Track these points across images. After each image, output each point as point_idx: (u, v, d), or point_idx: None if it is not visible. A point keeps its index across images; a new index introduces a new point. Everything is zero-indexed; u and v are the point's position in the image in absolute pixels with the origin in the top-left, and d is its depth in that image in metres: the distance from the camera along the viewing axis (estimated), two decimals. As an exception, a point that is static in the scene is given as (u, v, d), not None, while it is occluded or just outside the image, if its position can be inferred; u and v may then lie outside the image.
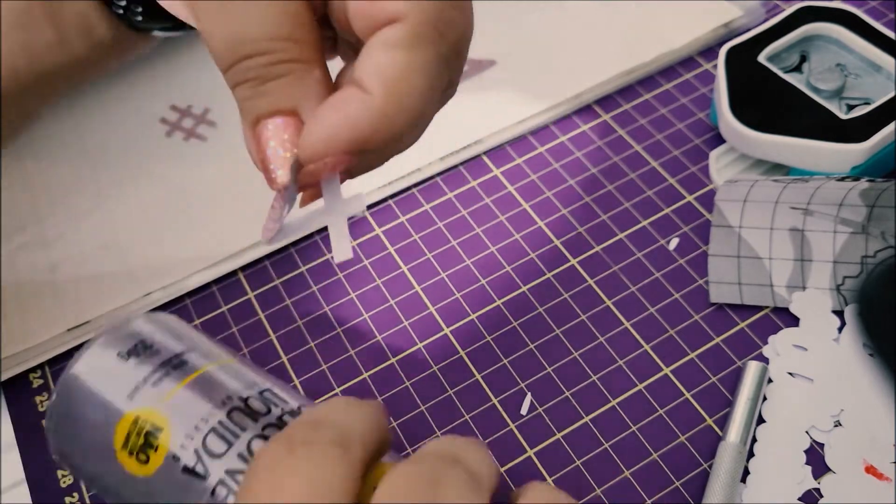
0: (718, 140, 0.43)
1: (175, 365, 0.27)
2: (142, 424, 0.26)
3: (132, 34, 0.33)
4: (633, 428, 0.35)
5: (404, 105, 0.24)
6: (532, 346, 0.37)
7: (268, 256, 0.41)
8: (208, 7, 0.25)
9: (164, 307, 0.40)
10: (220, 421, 0.26)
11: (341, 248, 0.27)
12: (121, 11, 0.31)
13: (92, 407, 0.27)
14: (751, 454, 0.33)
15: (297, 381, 0.37)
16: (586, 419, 0.35)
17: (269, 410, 0.26)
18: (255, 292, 0.40)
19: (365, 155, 0.25)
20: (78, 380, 0.27)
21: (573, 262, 0.40)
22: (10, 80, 0.31)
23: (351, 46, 0.28)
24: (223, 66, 0.25)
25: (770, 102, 0.40)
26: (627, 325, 0.38)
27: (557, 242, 0.41)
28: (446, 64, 0.25)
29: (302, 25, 0.25)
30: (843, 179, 0.35)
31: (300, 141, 0.25)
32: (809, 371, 0.35)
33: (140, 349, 0.28)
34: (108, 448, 0.26)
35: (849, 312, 0.37)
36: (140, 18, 0.31)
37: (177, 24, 0.32)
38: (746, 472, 0.33)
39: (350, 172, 0.27)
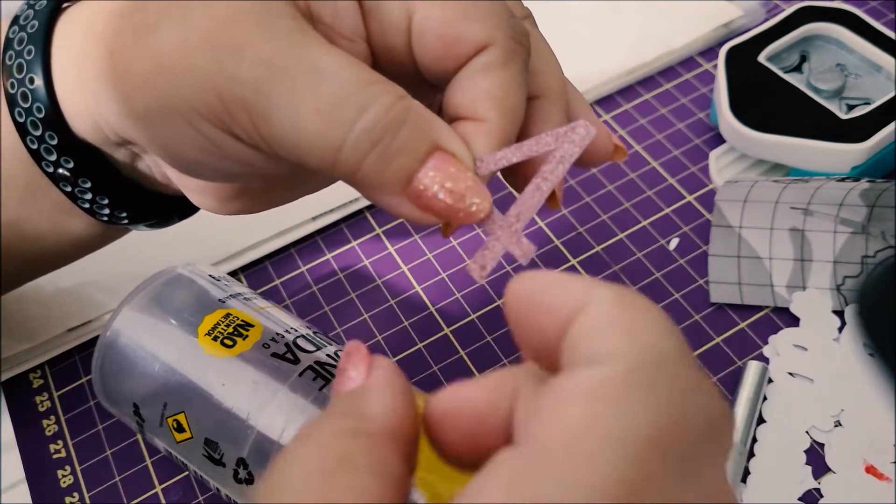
0: (718, 140, 0.43)
1: (248, 297, 0.33)
2: (233, 318, 0.31)
3: (111, 228, 0.31)
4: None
5: (516, 118, 0.25)
6: (532, 346, 0.37)
7: (268, 257, 0.41)
8: (280, 97, 0.22)
9: (164, 307, 0.40)
10: (306, 332, 0.31)
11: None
12: (105, 219, 0.30)
13: (188, 297, 0.32)
14: (751, 454, 0.33)
15: (297, 381, 0.37)
16: (586, 419, 0.35)
17: (327, 345, 0.31)
18: (257, 291, 0.40)
19: None
20: (179, 279, 0.32)
21: (573, 262, 0.40)
22: None
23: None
24: (331, 146, 0.22)
25: (770, 102, 0.40)
26: (627, 325, 0.38)
27: (557, 242, 0.41)
28: (527, 68, 0.25)
29: (372, 69, 0.23)
30: (843, 179, 0.35)
31: None
32: (809, 371, 0.35)
33: (222, 282, 0.33)
34: (192, 332, 0.30)
35: (849, 312, 0.37)
36: (126, 221, 0.30)
37: (160, 220, 0.31)
38: (746, 472, 0.33)
39: None
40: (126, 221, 0.30)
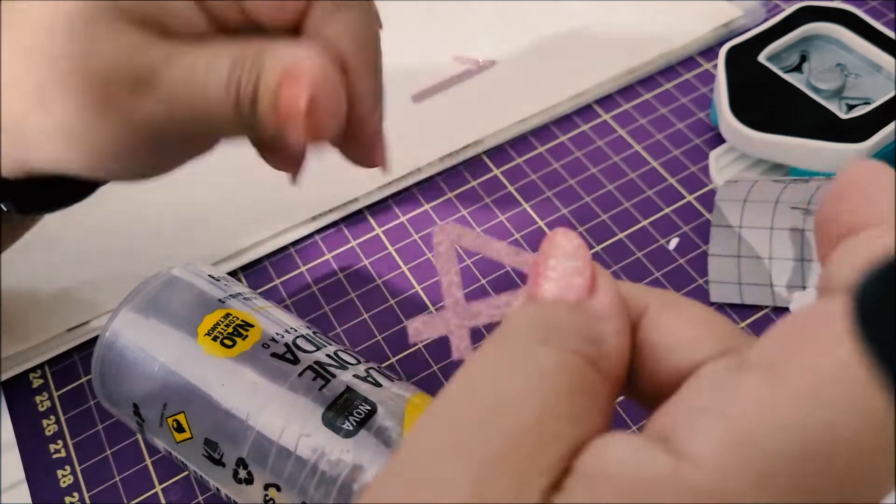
0: (718, 140, 0.43)
1: (248, 297, 0.33)
2: (233, 318, 0.31)
3: (20, 217, 0.31)
4: (634, 428, 0.35)
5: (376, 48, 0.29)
6: (532, 346, 0.37)
7: (268, 256, 0.41)
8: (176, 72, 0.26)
9: (164, 307, 0.40)
10: (306, 333, 0.31)
11: None
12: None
13: (187, 297, 0.32)
14: (751, 454, 0.33)
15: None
16: (586, 419, 0.35)
17: (327, 345, 0.31)
18: (256, 291, 0.40)
19: None
20: (179, 279, 0.32)
21: (573, 262, 0.40)
22: None
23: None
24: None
25: (770, 102, 0.40)
26: (627, 325, 0.37)
27: (557, 242, 0.41)
28: None
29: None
30: (843, 179, 0.35)
31: None
32: (809, 371, 0.35)
33: (222, 282, 0.33)
34: (191, 333, 0.30)
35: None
36: (24, 212, 0.30)
37: (60, 203, 0.31)
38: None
39: None
40: (27, 212, 0.30)
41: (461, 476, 0.14)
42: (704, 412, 0.15)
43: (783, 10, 0.46)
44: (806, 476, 0.14)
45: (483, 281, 0.40)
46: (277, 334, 0.30)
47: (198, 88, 0.25)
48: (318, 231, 0.42)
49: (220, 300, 0.32)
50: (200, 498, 0.34)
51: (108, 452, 0.36)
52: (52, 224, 0.43)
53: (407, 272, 0.40)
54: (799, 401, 0.14)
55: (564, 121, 0.46)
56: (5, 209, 0.29)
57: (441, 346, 0.37)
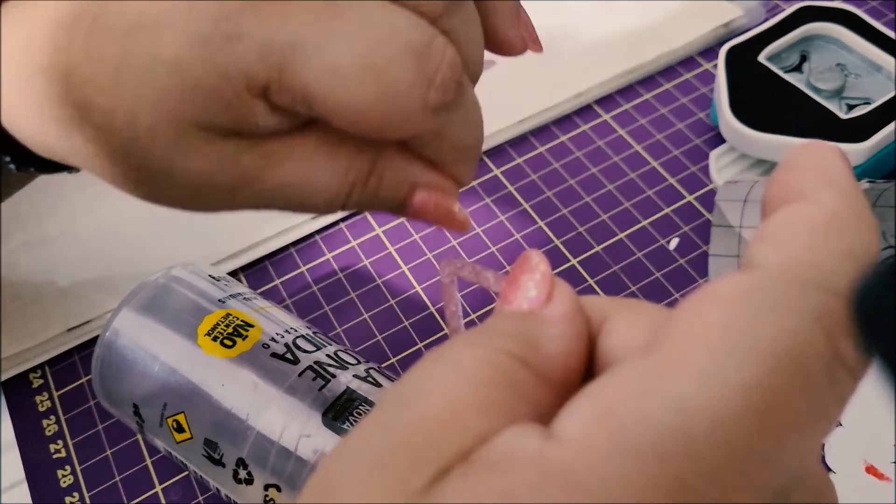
0: (718, 140, 0.43)
1: (248, 297, 0.33)
2: (233, 319, 0.31)
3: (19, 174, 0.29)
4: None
5: None
6: (532, 346, 0.37)
7: (268, 256, 0.41)
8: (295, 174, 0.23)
9: (164, 307, 0.40)
10: (306, 333, 0.31)
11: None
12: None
13: (188, 297, 0.32)
14: (751, 454, 0.33)
15: (297, 381, 0.37)
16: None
17: (327, 345, 0.31)
18: (257, 291, 0.40)
19: None
20: (179, 279, 0.32)
21: (573, 262, 0.40)
22: None
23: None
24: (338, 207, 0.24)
25: (770, 102, 0.40)
26: (627, 325, 0.37)
27: (557, 242, 0.41)
28: None
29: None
30: (843, 179, 0.35)
31: None
32: (809, 371, 0.35)
33: (222, 282, 0.33)
34: (191, 333, 0.30)
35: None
36: (32, 169, 0.28)
37: (62, 168, 0.29)
38: (746, 472, 0.33)
39: None
40: (32, 170, 0.28)
41: (359, 465, 0.15)
42: (584, 395, 0.15)
43: (783, 10, 0.46)
44: (666, 447, 0.13)
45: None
46: (277, 334, 0.30)
47: (301, 198, 0.24)
48: (319, 231, 0.42)
49: (220, 300, 0.32)
50: (200, 498, 0.34)
51: (108, 452, 0.36)
52: (53, 224, 0.43)
53: (407, 272, 0.40)
54: (663, 370, 0.14)
55: (564, 121, 0.46)
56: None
57: (441, 346, 0.37)
